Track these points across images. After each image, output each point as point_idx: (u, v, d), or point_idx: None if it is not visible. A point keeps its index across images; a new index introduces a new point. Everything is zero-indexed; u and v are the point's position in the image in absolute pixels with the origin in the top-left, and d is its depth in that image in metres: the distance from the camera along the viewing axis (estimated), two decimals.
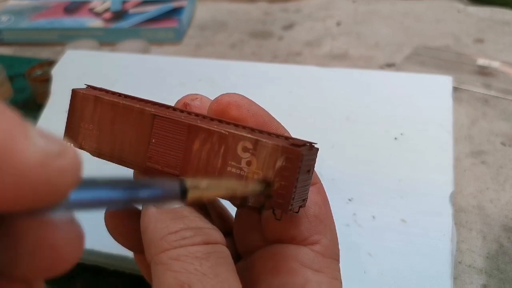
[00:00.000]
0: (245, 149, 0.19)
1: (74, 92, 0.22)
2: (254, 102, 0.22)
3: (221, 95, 0.22)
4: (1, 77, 0.58)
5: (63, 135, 0.22)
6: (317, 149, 0.20)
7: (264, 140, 0.19)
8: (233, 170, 0.19)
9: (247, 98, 0.22)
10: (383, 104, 0.42)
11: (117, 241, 0.23)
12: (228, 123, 0.20)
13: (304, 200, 0.20)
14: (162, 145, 0.20)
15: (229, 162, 0.19)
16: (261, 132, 0.19)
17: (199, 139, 0.20)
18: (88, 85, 0.23)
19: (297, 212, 0.20)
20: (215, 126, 0.19)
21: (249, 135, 0.19)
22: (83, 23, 0.71)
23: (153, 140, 0.20)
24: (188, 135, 0.20)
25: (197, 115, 0.21)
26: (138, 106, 0.21)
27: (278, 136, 0.19)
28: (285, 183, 0.18)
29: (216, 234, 0.19)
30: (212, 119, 0.20)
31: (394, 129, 0.40)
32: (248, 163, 0.19)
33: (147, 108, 0.21)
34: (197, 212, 0.20)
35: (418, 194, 0.36)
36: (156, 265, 0.18)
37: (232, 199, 0.19)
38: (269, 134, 0.19)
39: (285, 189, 0.18)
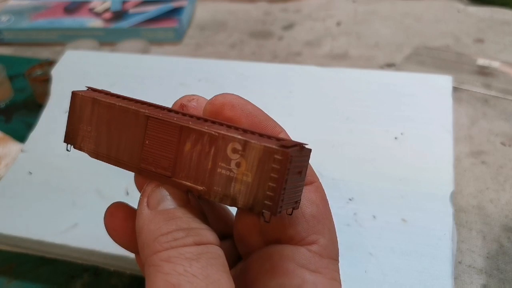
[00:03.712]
0: (234, 150, 0.19)
1: (74, 94, 0.22)
2: (249, 102, 0.22)
3: (215, 96, 0.22)
4: (1, 77, 0.58)
5: (64, 137, 0.23)
6: (309, 150, 0.20)
7: (253, 142, 0.18)
8: (223, 171, 0.19)
9: (242, 98, 0.22)
10: (383, 104, 0.42)
11: (118, 243, 0.23)
12: (221, 124, 0.20)
13: (297, 202, 0.20)
14: (155, 147, 0.20)
15: (219, 163, 0.19)
16: (253, 133, 0.19)
17: (190, 140, 0.20)
18: (89, 87, 0.23)
19: (290, 214, 0.20)
20: (206, 127, 0.20)
21: (238, 136, 0.19)
22: (83, 23, 0.71)
23: (147, 142, 0.21)
24: (180, 136, 0.20)
25: (191, 116, 0.21)
26: (133, 108, 0.21)
27: (269, 137, 0.19)
28: (273, 184, 0.18)
29: (208, 235, 0.19)
30: (205, 120, 0.20)
31: (394, 129, 0.40)
32: (238, 165, 0.19)
33: (141, 110, 0.21)
34: (190, 213, 0.20)
35: (418, 194, 0.36)
36: (149, 267, 0.18)
37: (222, 201, 0.19)
38: (261, 135, 0.19)
39: (273, 191, 0.18)
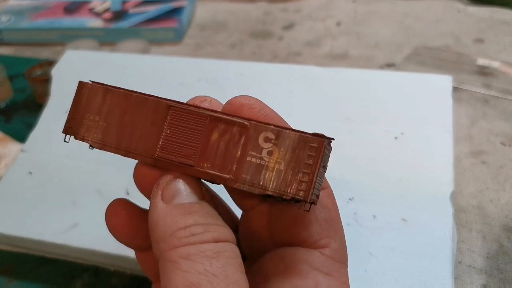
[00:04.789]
0: (266, 139, 0.19)
1: (81, 83, 0.22)
2: (266, 105, 0.22)
3: (234, 97, 0.22)
4: (1, 77, 0.58)
5: (64, 127, 0.22)
6: (331, 148, 0.20)
7: (287, 131, 0.19)
8: (253, 160, 0.19)
9: (260, 100, 0.22)
10: (383, 104, 0.42)
11: (118, 239, 0.23)
12: (243, 119, 0.20)
13: (318, 196, 0.20)
14: (178, 136, 0.20)
15: (249, 152, 0.19)
16: (278, 126, 0.20)
17: (218, 130, 0.20)
18: (92, 81, 0.23)
19: (308, 210, 0.20)
20: (236, 118, 0.20)
21: (271, 126, 0.19)
22: (83, 23, 0.71)
23: (168, 131, 0.20)
24: (207, 126, 0.20)
25: (209, 110, 0.21)
26: (152, 97, 0.21)
27: (296, 130, 0.20)
28: (307, 171, 0.18)
29: (226, 232, 0.19)
30: (225, 114, 0.21)
31: (394, 129, 0.40)
32: (270, 153, 0.19)
33: (162, 100, 0.21)
34: (207, 207, 0.20)
35: (418, 194, 0.36)
36: (165, 262, 0.18)
37: (250, 189, 0.19)
38: (287, 128, 0.20)
39: (307, 177, 0.18)
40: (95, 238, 0.36)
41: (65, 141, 0.22)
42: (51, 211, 0.38)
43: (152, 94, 0.22)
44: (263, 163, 0.19)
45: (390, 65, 0.60)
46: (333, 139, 0.19)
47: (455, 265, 0.33)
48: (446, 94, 0.42)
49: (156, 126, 0.21)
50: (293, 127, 0.23)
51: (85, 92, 0.22)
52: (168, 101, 0.21)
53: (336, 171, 0.37)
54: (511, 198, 0.41)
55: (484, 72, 0.56)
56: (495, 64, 0.57)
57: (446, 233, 0.33)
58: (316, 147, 0.19)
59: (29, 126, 0.47)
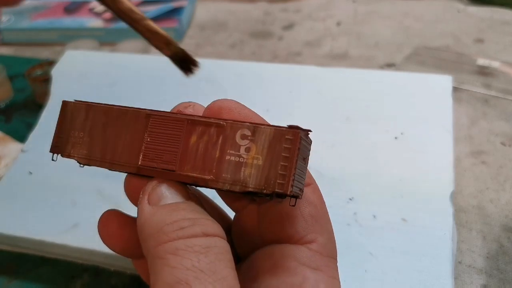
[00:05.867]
0: (243, 137, 0.19)
1: (65, 102, 0.22)
2: (245, 106, 0.22)
3: (213, 101, 0.22)
4: (1, 77, 0.58)
5: (50, 147, 0.22)
6: (311, 140, 0.20)
7: (263, 126, 0.19)
8: (232, 158, 0.19)
9: (238, 102, 0.22)
10: (383, 104, 0.42)
11: (112, 249, 0.23)
12: (220, 119, 0.20)
13: (301, 190, 0.20)
14: (158, 143, 0.21)
15: (228, 151, 0.19)
16: (254, 123, 0.20)
17: (196, 133, 0.20)
18: (76, 100, 0.23)
19: (293, 205, 0.20)
20: (213, 119, 0.20)
21: (247, 123, 0.19)
22: (83, 23, 0.71)
23: (148, 139, 0.21)
24: (185, 130, 0.20)
25: (191, 115, 0.21)
26: (132, 108, 0.21)
27: (271, 125, 0.20)
28: (285, 163, 0.19)
29: (215, 226, 0.19)
30: (203, 117, 0.21)
31: (394, 129, 0.40)
32: (247, 150, 0.19)
33: (141, 110, 0.21)
34: (194, 206, 0.20)
35: (418, 193, 0.36)
36: (154, 259, 0.18)
37: (232, 187, 0.19)
38: (262, 124, 0.20)
39: (285, 169, 0.18)
40: (95, 238, 0.35)
41: (52, 159, 0.22)
42: (51, 211, 0.38)
43: (131, 106, 0.22)
44: (242, 160, 0.19)
45: (390, 65, 0.60)
46: (310, 130, 0.19)
47: (455, 265, 0.33)
48: (446, 94, 0.42)
49: (137, 135, 0.21)
50: None
51: (69, 110, 0.22)
52: (147, 111, 0.21)
53: (336, 171, 0.38)
54: (511, 198, 0.41)
55: (484, 72, 0.56)
56: (495, 64, 0.57)
57: (446, 233, 0.33)
58: (291, 139, 0.19)
59: (29, 126, 0.47)
